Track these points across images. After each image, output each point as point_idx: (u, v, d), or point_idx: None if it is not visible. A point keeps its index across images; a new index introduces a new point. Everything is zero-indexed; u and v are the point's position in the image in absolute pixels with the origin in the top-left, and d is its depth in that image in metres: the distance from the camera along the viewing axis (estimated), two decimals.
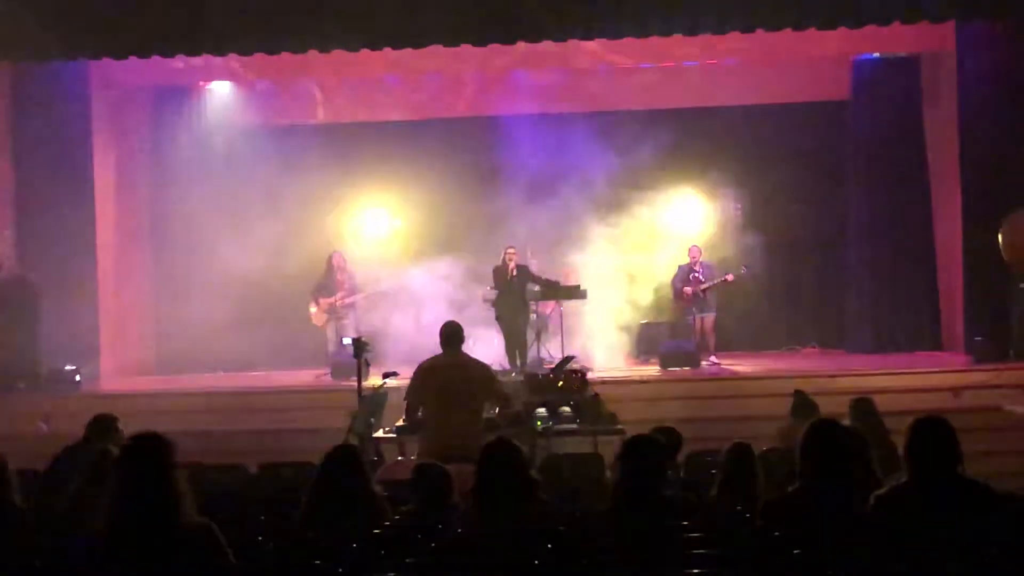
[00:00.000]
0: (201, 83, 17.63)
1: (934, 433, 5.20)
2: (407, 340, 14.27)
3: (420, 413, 8.89)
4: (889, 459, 6.56)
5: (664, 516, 5.52)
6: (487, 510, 5.64)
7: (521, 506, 5.63)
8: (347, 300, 16.06)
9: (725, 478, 6.57)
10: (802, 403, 9.65)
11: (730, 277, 15.80)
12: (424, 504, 6.16)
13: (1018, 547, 4.86)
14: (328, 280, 16.19)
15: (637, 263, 16.45)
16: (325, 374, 15.44)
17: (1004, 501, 5.25)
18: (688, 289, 15.90)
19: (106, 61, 14.81)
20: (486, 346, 15.80)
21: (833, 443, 5.37)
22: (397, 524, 5.94)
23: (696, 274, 15.90)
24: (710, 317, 15.97)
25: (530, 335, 15.57)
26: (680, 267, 16.20)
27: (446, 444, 8.05)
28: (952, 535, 4.86)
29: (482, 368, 9.05)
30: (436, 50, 14.28)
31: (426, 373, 8.86)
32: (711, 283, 15.83)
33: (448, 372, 8.74)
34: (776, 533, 5.21)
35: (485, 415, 9.26)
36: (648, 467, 5.56)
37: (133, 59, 14.31)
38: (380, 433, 10.06)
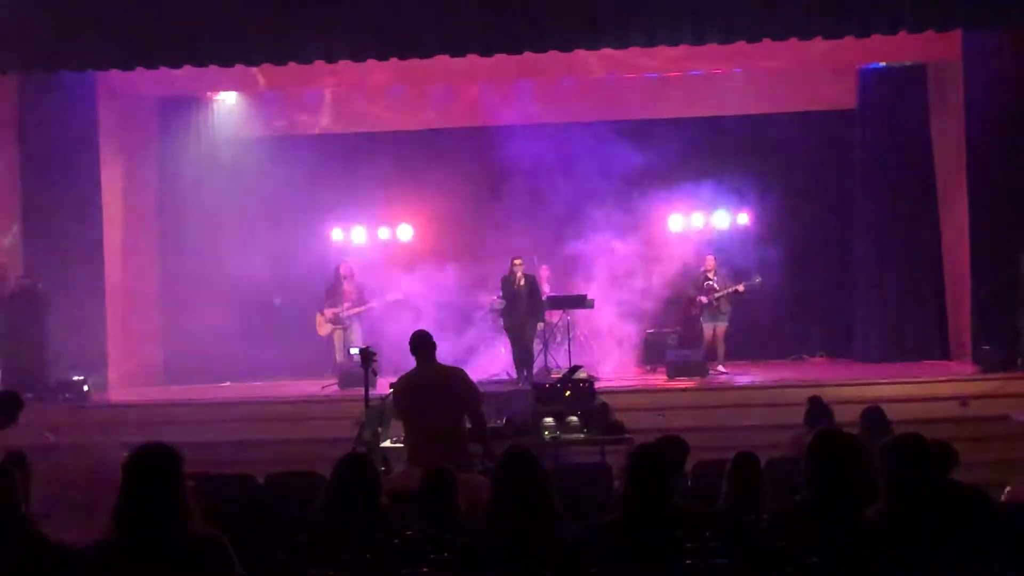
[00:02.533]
0: (208, 93, 17.67)
1: (910, 452, 5.16)
2: None
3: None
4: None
5: (672, 526, 5.51)
6: (502, 519, 5.62)
7: (538, 516, 5.61)
8: (354, 310, 16.07)
9: (731, 488, 6.56)
10: (816, 410, 9.61)
11: (741, 288, 15.79)
12: (431, 509, 6.13)
13: (1019, 556, 4.85)
14: (334, 290, 16.22)
15: (644, 272, 16.42)
16: (332, 384, 15.43)
17: (1004, 510, 5.24)
18: (702, 297, 15.89)
19: (113, 71, 14.86)
20: (493, 355, 15.88)
21: (839, 453, 5.35)
22: (407, 534, 5.92)
23: (710, 282, 15.89)
24: (722, 326, 15.97)
25: (537, 344, 15.58)
26: (695, 275, 16.19)
27: (430, 458, 7.83)
28: (951, 544, 4.85)
29: (458, 378, 8.71)
30: (442, 60, 14.32)
31: (403, 391, 8.69)
32: (724, 292, 15.82)
33: (425, 388, 8.52)
34: (784, 542, 5.20)
35: (490, 425, 9.22)
36: (656, 477, 5.55)
37: (140, 69, 14.35)
38: (387, 443, 10.04)
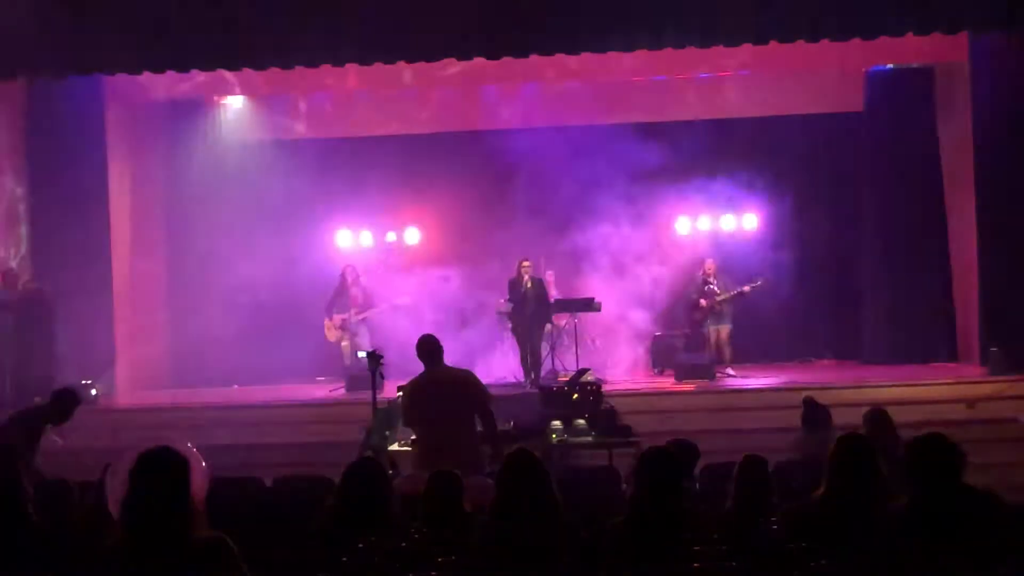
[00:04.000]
0: (215, 97, 17.68)
1: (935, 451, 5.17)
2: None
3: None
4: (902, 471, 6.55)
5: (680, 529, 5.50)
6: (506, 522, 5.62)
7: (540, 518, 5.60)
8: (361, 315, 16.08)
9: (738, 491, 6.55)
10: (812, 412, 9.61)
11: (746, 289, 15.77)
12: (436, 512, 6.12)
13: None
14: (341, 294, 16.23)
15: (652, 275, 16.41)
16: (339, 387, 15.44)
17: (1014, 512, 5.23)
18: (703, 301, 15.88)
19: (120, 76, 14.86)
20: (501, 358, 15.87)
21: (864, 457, 5.37)
22: (414, 537, 5.92)
23: (711, 286, 15.87)
24: (725, 329, 15.96)
25: (544, 348, 15.57)
26: (694, 279, 16.18)
27: (439, 461, 7.64)
28: (961, 548, 4.84)
29: (468, 380, 8.76)
30: (449, 63, 14.33)
31: (412, 394, 8.70)
32: (726, 295, 15.80)
33: (434, 391, 8.55)
34: (795, 544, 5.19)
35: (501, 428, 9.21)
36: (664, 480, 5.54)
37: (147, 73, 14.37)
38: (395, 446, 10.04)
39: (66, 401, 9.96)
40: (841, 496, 5.28)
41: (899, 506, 5.10)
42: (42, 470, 9.07)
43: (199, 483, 5.74)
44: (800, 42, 13.65)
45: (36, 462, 9.39)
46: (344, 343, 16.24)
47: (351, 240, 17.87)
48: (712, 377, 15.36)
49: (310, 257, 17.20)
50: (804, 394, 10.22)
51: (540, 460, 5.87)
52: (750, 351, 16.84)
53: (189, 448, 6.25)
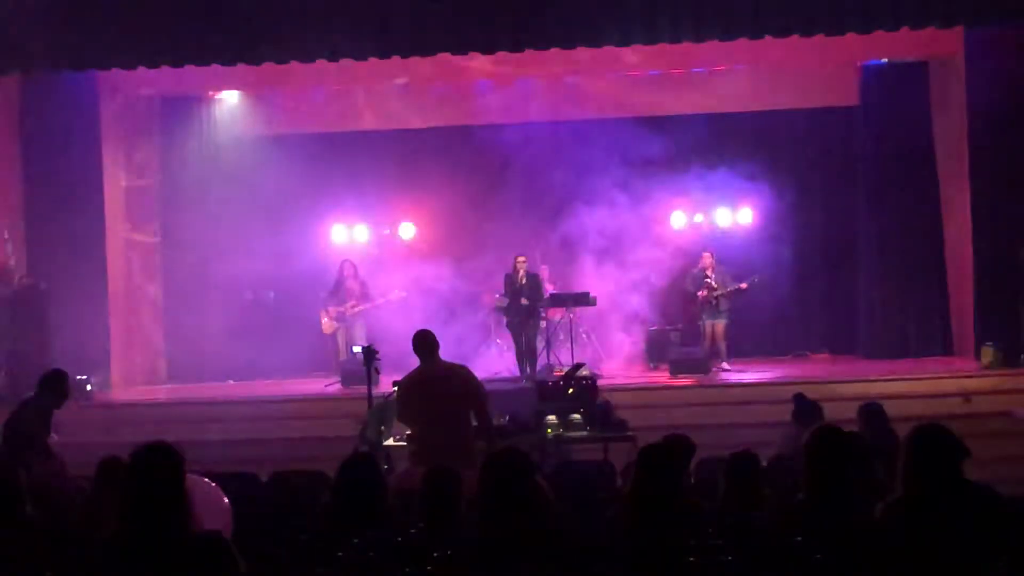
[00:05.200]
0: (209, 92, 17.66)
1: (935, 442, 5.16)
2: None
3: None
4: (897, 465, 6.55)
5: (676, 524, 5.50)
6: (490, 520, 5.60)
7: (527, 515, 5.57)
8: (357, 308, 16.08)
9: (728, 487, 6.55)
10: (803, 408, 9.62)
11: (743, 286, 15.73)
12: (433, 510, 6.11)
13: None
14: (338, 288, 16.23)
15: (647, 269, 16.39)
16: (335, 382, 15.43)
17: (1010, 506, 5.22)
18: (701, 294, 15.85)
19: (114, 71, 14.85)
20: (496, 353, 15.88)
21: (837, 450, 5.35)
22: (408, 533, 5.92)
23: (709, 280, 15.83)
24: (721, 323, 15.90)
25: (540, 342, 15.58)
26: (693, 272, 16.14)
27: (435, 456, 7.55)
28: (959, 542, 4.84)
29: (463, 376, 8.72)
30: (444, 58, 14.32)
31: (409, 389, 8.68)
32: (724, 290, 15.76)
33: (430, 386, 8.51)
34: (789, 539, 5.20)
35: (496, 423, 9.21)
36: (663, 476, 5.53)
37: (141, 68, 14.35)
38: (390, 441, 10.04)
39: (56, 381, 9.97)
40: (821, 491, 5.27)
41: (895, 500, 5.09)
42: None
43: (224, 521, 5.74)
44: (795, 36, 13.65)
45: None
46: (340, 337, 16.23)
47: (346, 235, 17.85)
48: (707, 372, 15.38)
49: (305, 252, 17.17)
50: (803, 392, 10.22)
51: (525, 459, 5.73)
52: (745, 346, 16.85)
53: (212, 484, 6.26)
